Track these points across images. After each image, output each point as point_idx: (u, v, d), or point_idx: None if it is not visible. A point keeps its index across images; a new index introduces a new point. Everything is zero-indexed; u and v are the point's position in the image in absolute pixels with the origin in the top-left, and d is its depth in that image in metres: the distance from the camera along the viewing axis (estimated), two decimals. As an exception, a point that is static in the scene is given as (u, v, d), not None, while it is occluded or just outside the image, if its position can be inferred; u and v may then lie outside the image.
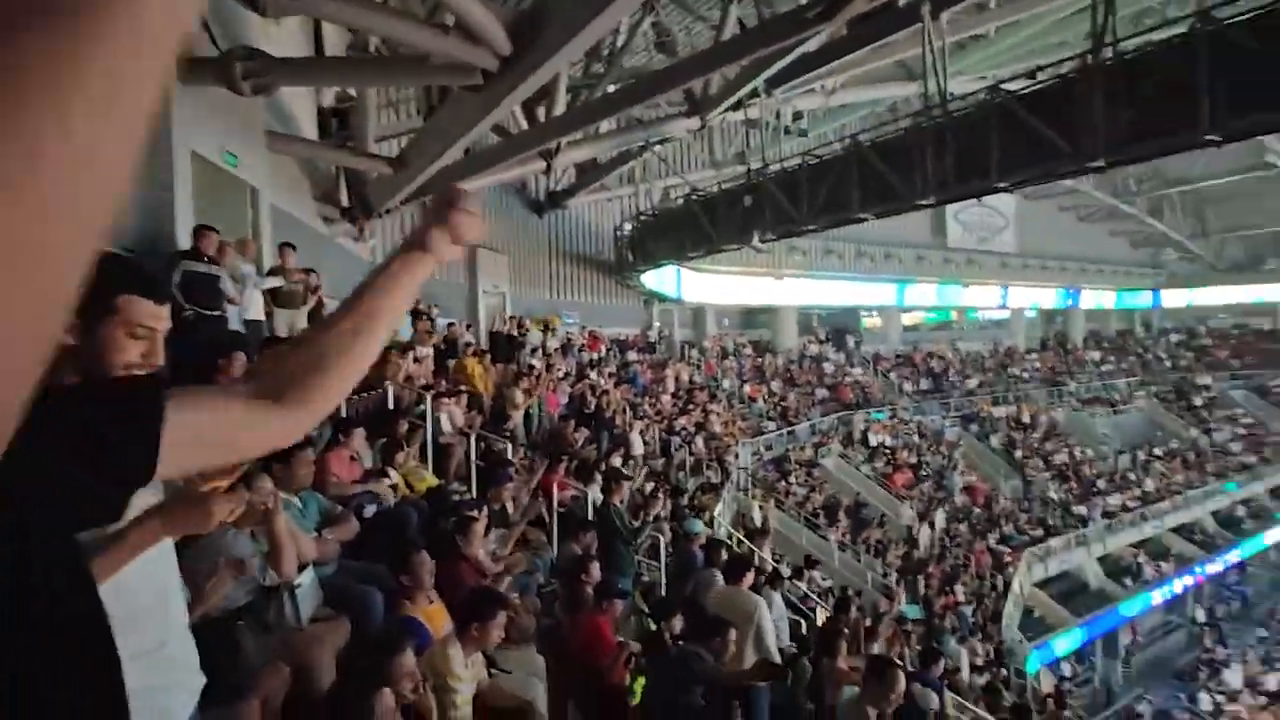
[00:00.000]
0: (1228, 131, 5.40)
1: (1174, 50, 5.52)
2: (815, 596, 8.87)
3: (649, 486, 8.30)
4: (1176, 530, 19.63)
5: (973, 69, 12.67)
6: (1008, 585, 15.15)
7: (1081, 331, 27.83)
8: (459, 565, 3.60)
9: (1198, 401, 24.85)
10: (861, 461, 17.35)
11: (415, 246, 0.87)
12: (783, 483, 15.07)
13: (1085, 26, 7.15)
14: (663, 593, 5.94)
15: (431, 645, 2.68)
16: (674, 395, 15.36)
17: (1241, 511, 21.54)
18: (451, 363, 8.72)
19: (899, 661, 3.71)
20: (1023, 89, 6.99)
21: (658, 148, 12.75)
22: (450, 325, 10.69)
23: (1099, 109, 5.99)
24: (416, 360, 7.40)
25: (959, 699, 7.16)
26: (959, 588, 14.38)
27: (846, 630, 4.95)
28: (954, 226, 23.26)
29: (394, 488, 4.20)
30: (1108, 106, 5.92)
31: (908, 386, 21.58)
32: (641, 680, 3.74)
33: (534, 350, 11.61)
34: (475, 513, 3.97)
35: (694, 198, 12.71)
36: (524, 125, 10.60)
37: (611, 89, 9.69)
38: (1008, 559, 15.89)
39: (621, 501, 5.87)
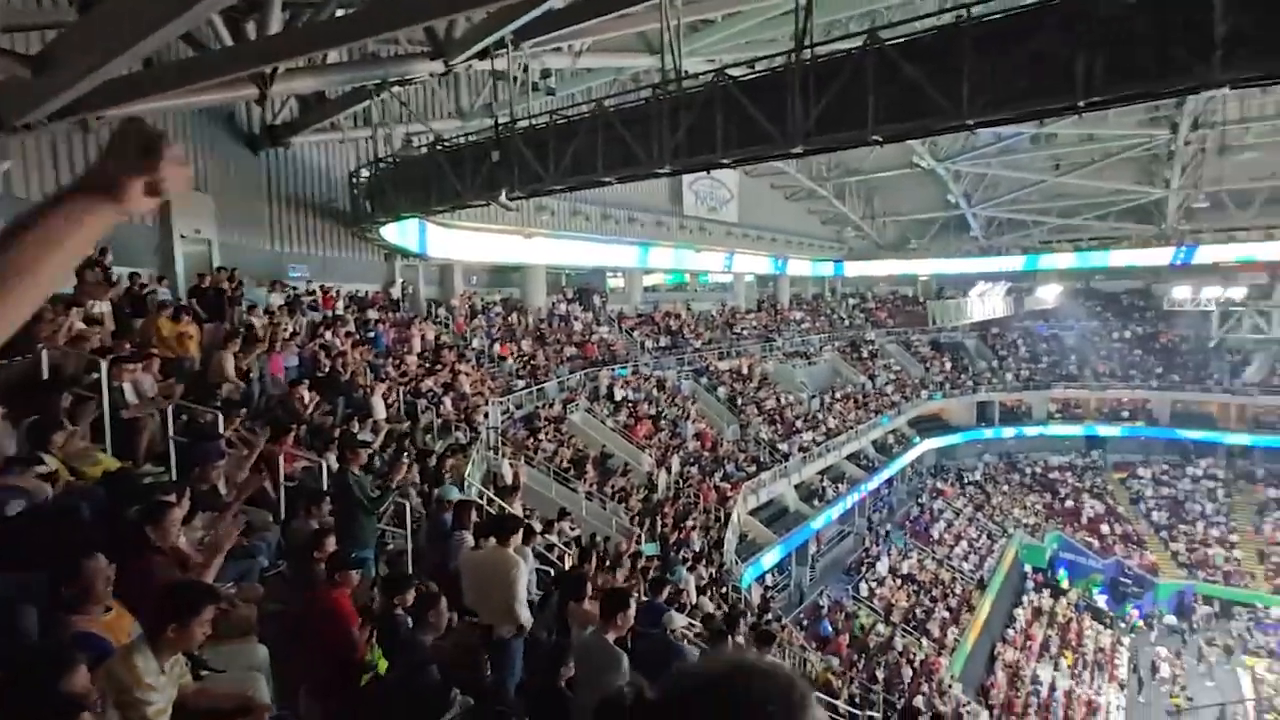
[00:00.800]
0: (886, 134, 6.62)
1: (852, 61, 6.57)
2: (563, 546, 9.26)
3: (392, 452, 7.86)
4: (849, 458, 24.21)
5: (704, 51, 13.71)
6: (728, 516, 17.37)
7: (787, 295, 32.41)
8: (151, 561, 3.06)
9: (865, 353, 30.64)
10: (607, 415, 18.37)
11: (98, 191, 0.72)
12: (533, 440, 15.34)
13: (791, 27, 8.11)
14: (409, 561, 5.72)
15: (112, 656, 2.26)
16: (420, 356, 14.64)
17: (891, 439, 27.28)
18: (139, 322, 7.26)
19: (633, 594, 4.06)
20: (743, 76, 7.75)
21: (398, 90, 11.74)
22: (134, 276, 8.86)
23: (798, 102, 6.90)
24: (89, 320, 6.03)
25: (687, 618, 8.09)
26: (690, 522, 16.14)
27: (590, 575, 5.27)
28: (689, 196, 25.27)
29: (51, 476, 3.39)
30: (804, 101, 6.85)
31: (649, 344, 23.24)
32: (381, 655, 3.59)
33: (251, 308, 10.14)
34: (171, 497, 3.39)
35: (439, 148, 12.00)
36: (228, 40, 9.00)
37: (340, 13, 8.63)
38: (729, 494, 18.17)
39: (361, 469, 5.48)
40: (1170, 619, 24.80)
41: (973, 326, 33.38)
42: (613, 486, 15.74)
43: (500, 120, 10.51)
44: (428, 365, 14.24)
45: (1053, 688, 19.94)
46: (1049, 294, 32.77)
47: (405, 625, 3.60)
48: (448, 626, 3.84)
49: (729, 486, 18.49)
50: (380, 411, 9.52)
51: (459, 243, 17.32)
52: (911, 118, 6.30)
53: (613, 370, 20.11)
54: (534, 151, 9.82)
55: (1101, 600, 25.17)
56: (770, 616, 14.56)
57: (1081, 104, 5.71)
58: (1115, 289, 34.55)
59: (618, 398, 19.21)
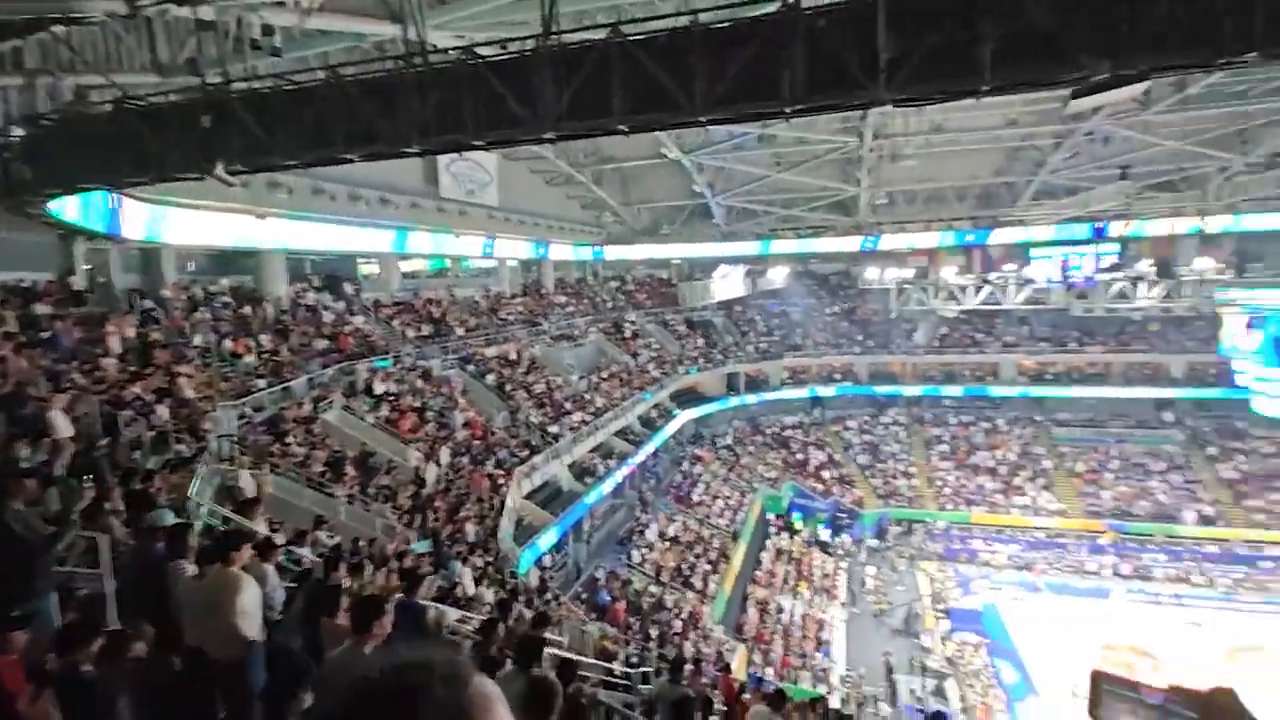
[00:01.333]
0: (632, 124, 6.97)
1: (597, 51, 6.78)
2: (316, 558, 8.42)
3: (80, 476, 6.46)
4: (618, 434, 25.43)
5: (452, 25, 13.13)
6: (503, 503, 17.23)
7: (551, 279, 32.80)
8: None
9: (628, 333, 32.29)
10: (366, 411, 17.04)
11: None
12: (279, 445, 13.68)
13: (539, 10, 8.09)
14: (111, 605, 4.75)
15: None
16: (122, 358, 12.17)
17: (654, 413, 29.18)
18: None
19: (390, 598, 3.83)
20: (493, 56, 7.57)
21: (62, 30, 9.47)
22: None
23: (549, 87, 6.94)
24: None
25: (462, 611, 7.87)
26: (464, 514, 15.70)
27: (341, 584, 4.86)
28: (446, 177, 24.20)
29: None
30: (555, 86, 6.92)
31: (410, 333, 21.95)
32: None
33: None
34: None
35: (129, 105, 9.93)
36: None
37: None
38: (502, 480, 18.01)
39: (30, 502, 4.40)
40: (873, 541, 30.16)
41: (720, 305, 37.00)
42: (377, 486, 14.69)
43: (210, 80, 9.03)
44: (133, 369, 11.89)
45: (792, 614, 23.18)
46: (778, 275, 37.48)
47: (95, 683, 2.98)
48: (165, 670, 3.27)
49: (502, 473, 18.32)
50: (63, 428, 7.74)
51: (172, 222, 14.65)
52: (653, 110, 6.70)
53: (371, 363, 18.67)
54: (258, 119, 8.61)
55: (825, 534, 29.71)
56: (549, 596, 14.83)
57: (788, 110, 6.56)
58: (826, 271, 40.64)
59: (378, 391, 17.90)
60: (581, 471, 22.45)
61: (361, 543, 10.66)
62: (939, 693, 20.25)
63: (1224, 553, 26.83)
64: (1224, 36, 5.43)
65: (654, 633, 18.02)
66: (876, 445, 35.00)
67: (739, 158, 28.46)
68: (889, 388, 36.13)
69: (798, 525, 29.65)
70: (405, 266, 25.57)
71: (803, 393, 36.50)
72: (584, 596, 19.08)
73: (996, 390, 34.77)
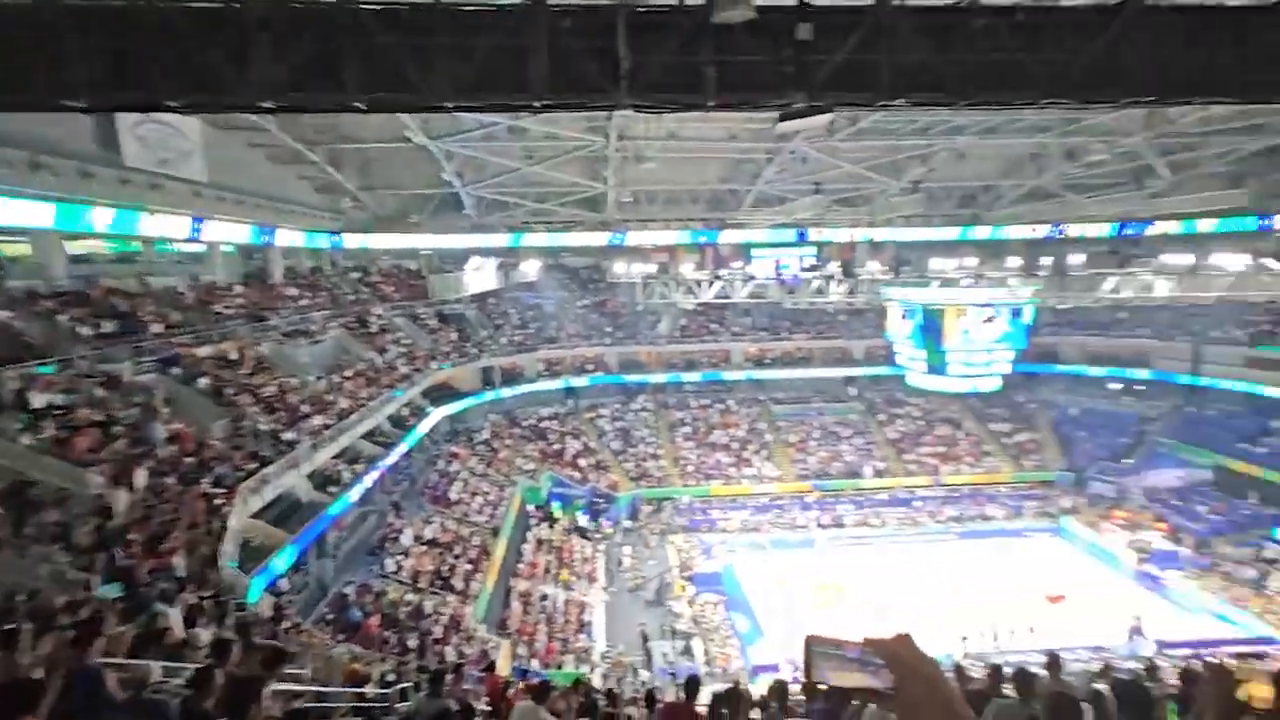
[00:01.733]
0: (365, 104, 6.41)
1: (324, 13, 6.09)
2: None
3: None
4: (366, 436, 23.46)
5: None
6: (224, 525, 14.85)
7: (280, 268, 29.04)
8: None
9: (373, 328, 29.92)
10: (20, 431, 13.42)
11: None
12: (-128, 484, 10.13)
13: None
14: None
15: None
16: None
17: (405, 412, 27.51)
18: None
19: (51, 676, 3.04)
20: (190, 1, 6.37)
21: None
22: None
23: (266, 55, 6.07)
24: None
25: (167, 663, 6.62)
26: (170, 544, 13.19)
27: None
28: (130, 142, 19.88)
29: None
30: (275, 49, 6.07)
31: (85, 330, 17.76)
32: None
33: None
34: None
35: None
36: None
37: None
38: (221, 500, 15.51)
39: None
40: (627, 522, 32.03)
41: (473, 298, 36.04)
42: (39, 524, 11.66)
43: None
44: None
45: (554, 602, 23.63)
46: (531, 268, 37.68)
47: None
48: None
49: (222, 492, 15.77)
50: None
51: None
52: (390, 90, 6.22)
53: (26, 369, 14.74)
54: None
55: (584, 520, 30.79)
56: (288, 625, 13.18)
57: (537, 105, 6.58)
58: (577, 264, 41.90)
59: (37, 405, 14.19)
60: (324, 480, 20.30)
61: (16, 598, 8.37)
62: (687, 651, 22.27)
63: (891, 498, 33.51)
64: (882, 84, 6.69)
65: (413, 644, 17.04)
66: (628, 431, 37.12)
67: (490, 148, 27.93)
68: (637, 376, 38.53)
69: (557, 514, 30.25)
70: (74, 248, 20.62)
71: (557, 384, 37.27)
72: (331, 617, 17.32)
73: (728, 374, 39.07)
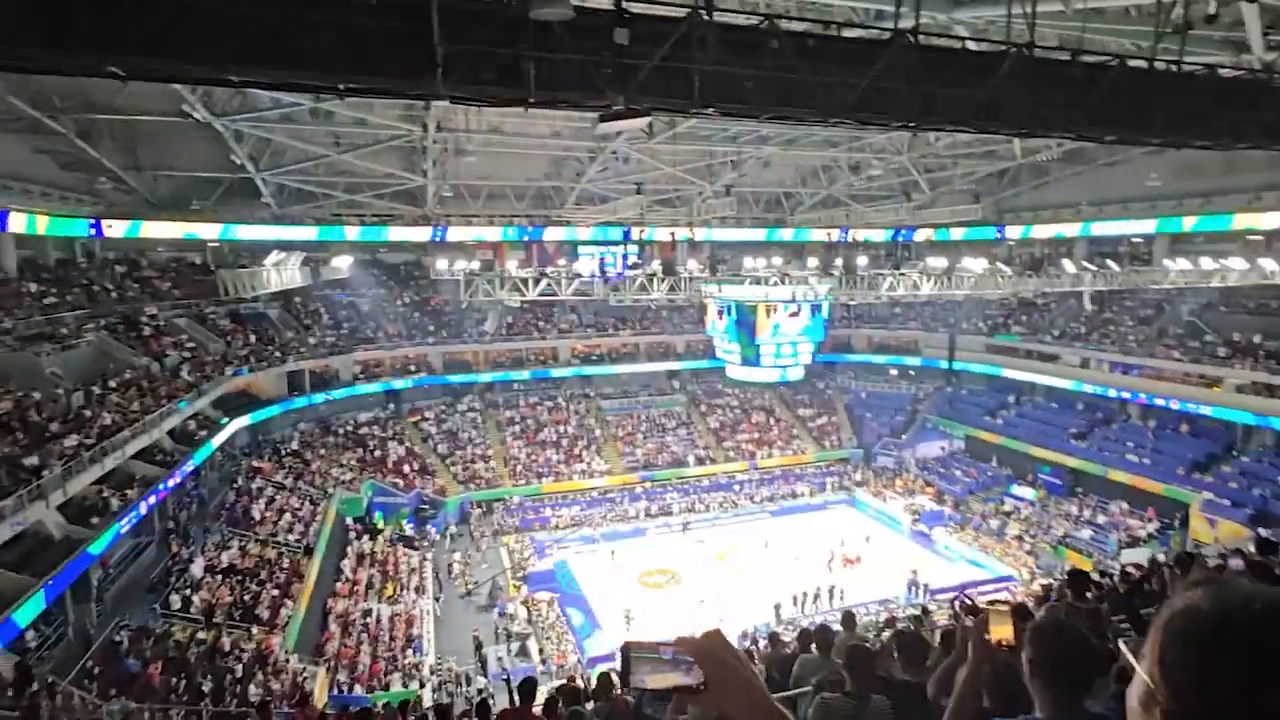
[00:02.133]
0: (129, 69, 5.48)
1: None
2: None
3: None
4: (139, 455, 20.22)
5: None
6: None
7: (14, 260, 24.09)
8: None
9: (147, 331, 25.87)
10: None
11: None
12: None
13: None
14: None
15: None
16: None
17: (193, 425, 24.19)
18: None
19: None
20: None
21: None
22: None
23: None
24: None
25: None
26: None
27: None
28: None
29: None
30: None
31: None
32: None
33: None
34: None
35: None
36: None
37: None
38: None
39: None
40: (456, 527, 30.92)
41: (274, 296, 32.49)
42: None
43: None
44: None
45: (379, 618, 22.13)
46: (343, 264, 34.80)
47: None
48: None
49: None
50: None
51: None
52: (154, 54, 5.38)
53: None
54: None
55: (409, 529, 29.18)
56: (36, 688, 11.01)
57: (342, 87, 6.07)
58: (396, 260, 39.48)
59: None
60: (84, 511, 17.19)
61: None
62: (523, 652, 22.01)
63: (712, 484, 35.65)
64: (693, 92, 7.05)
65: (207, 688, 15.05)
66: (455, 433, 35.80)
67: (291, 131, 25.34)
68: (463, 376, 37.25)
69: (380, 525, 28.41)
70: None
71: (377, 387, 34.94)
72: (98, 671, 14.73)
73: (556, 371, 39.07)
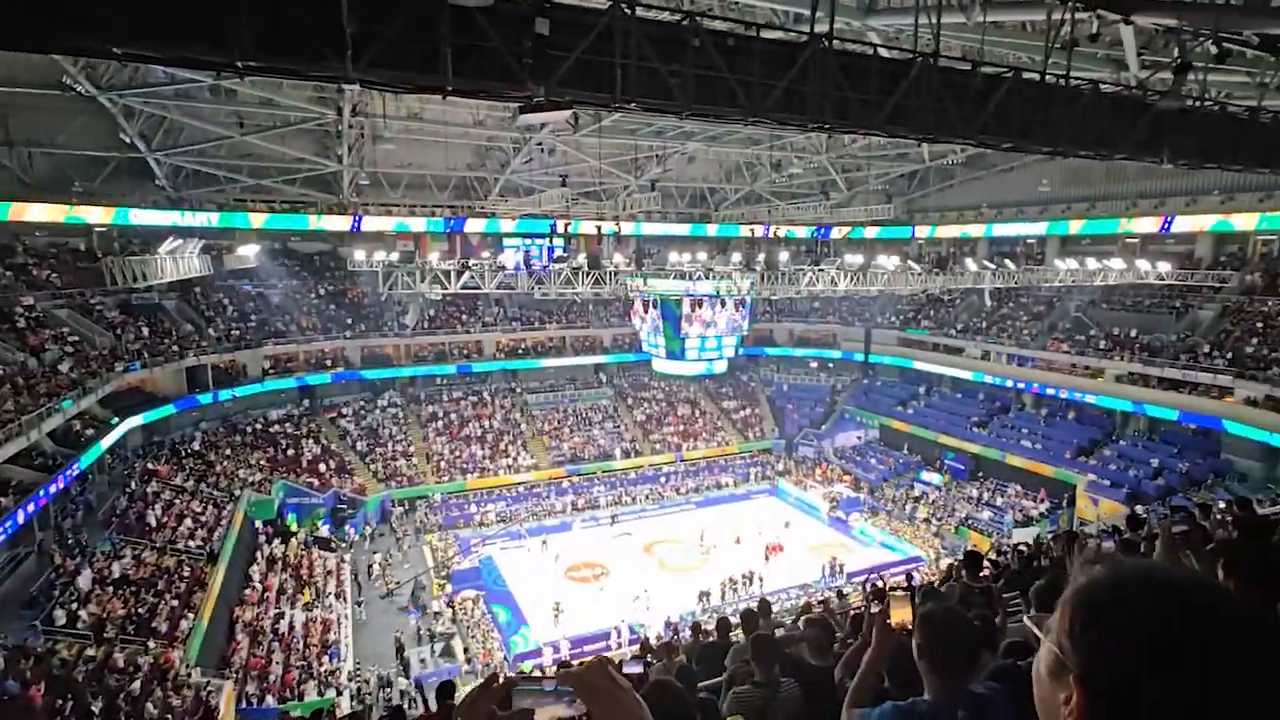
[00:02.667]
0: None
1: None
2: None
3: None
4: (13, 460, 18.48)
5: None
6: None
7: None
8: None
9: (22, 323, 23.62)
10: None
11: None
12: None
13: None
14: None
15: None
16: None
17: (78, 426, 22.29)
18: None
19: None
20: None
21: None
22: None
23: None
24: None
25: None
26: None
27: None
28: None
29: None
30: None
31: None
32: None
33: None
34: None
35: None
36: None
37: None
38: None
39: None
40: (374, 527, 29.91)
41: (170, 286, 30.23)
42: None
43: None
44: None
45: (292, 625, 21.13)
46: (250, 253, 32.77)
47: None
48: None
49: None
50: None
51: None
52: (32, 21, 4.88)
53: None
54: None
55: (325, 530, 27.98)
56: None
57: (241, 65, 5.69)
58: (310, 250, 37.50)
59: None
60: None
61: None
62: (447, 652, 21.53)
63: (639, 476, 35.91)
64: (615, 86, 7.03)
65: (98, 708, 13.94)
66: (375, 429, 34.57)
67: (188, 109, 23.68)
68: (384, 371, 35.97)
69: (293, 527, 27.12)
70: None
71: (290, 382, 33.23)
72: (-34, 697, 13.37)
73: (480, 366, 38.30)
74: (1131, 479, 27.50)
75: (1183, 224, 30.05)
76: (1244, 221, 28.38)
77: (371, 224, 32.34)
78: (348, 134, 25.74)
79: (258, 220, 30.72)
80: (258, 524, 25.97)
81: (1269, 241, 29.82)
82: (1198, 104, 11.73)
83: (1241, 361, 26.06)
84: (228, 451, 29.50)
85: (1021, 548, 14.80)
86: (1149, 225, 30.86)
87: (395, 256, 34.21)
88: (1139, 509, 19.65)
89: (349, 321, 35.68)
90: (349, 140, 26.41)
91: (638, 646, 21.37)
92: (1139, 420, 30.04)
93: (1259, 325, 27.36)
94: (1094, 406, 31.02)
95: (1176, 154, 11.59)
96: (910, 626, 2.38)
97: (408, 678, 20.04)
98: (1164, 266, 29.09)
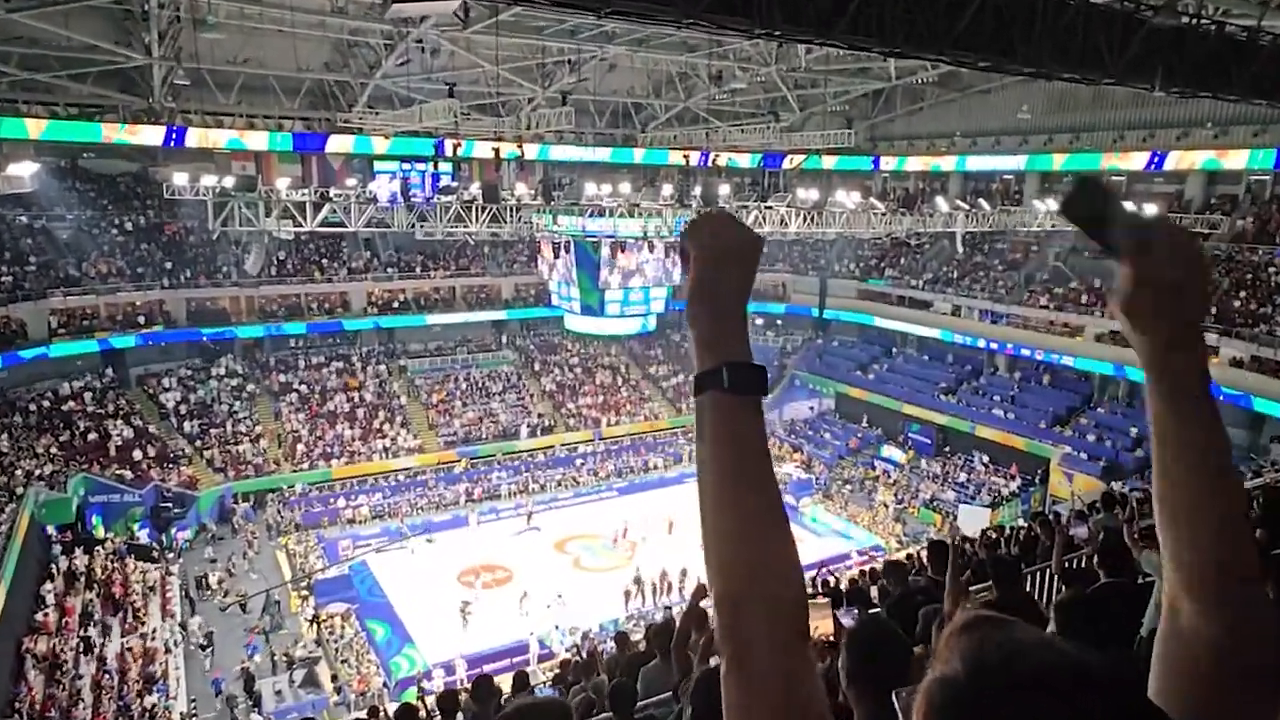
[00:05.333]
0: None
1: None
2: None
3: None
4: None
5: None
6: None
7: None
8: None
9: None
10: None
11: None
12: None
13: None
14: None
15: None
16: None
17: None
18: None
19: None
20: None
21: None
22: None
23: None
24: None
25: None
26: None
27: None
28: None
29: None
30: None
31: None
32: None
33: None
34: None
35: None
36: None
37: None
38: None
39: None
40: (215, 528, 28.96)
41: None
42: None
43: None
44: None
45: (102, 657, 20.28)
46: (24, 172, 30.02)
47: None
48: None
49: None
50: None
51: None
52: None
53: None
54: None
55: (144, 535, 26.84)
56: None
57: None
58: (110, 171, 34.92)
59: None
60: None
61: None
62: (310, 681, 21.23)
63: (549, 459, 36.06)
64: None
65: None
66: (209, 405, 33.15)
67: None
68: (218, 329, 34.29)
69: (100, 533, 25.88)
70: None
71: (88, 345, 31.22)
72: None
73: (348, 323, 37.16)
74: (1109, 451, 29.85)
75: (1173, 160, 32.22)
76: (1236, 159, 30.72)
77: (196, 138, 30.26)
78: (157, 15, 23.84)
79: (35, 129, 28.08)
80: (50, 530, 24.61)
81: (1261, 182, 32.43)
82: (1195, 21, 12.50)
83: (1229, 318, 28.48)
84: (4, 437, 27.54)
85: (992, 533, 15.87)
86: (1138, 161, 32.90)
87: (230, 182, 32.37)
88: (1115, 485, 21.35)
89: (169, 266, 33.74)
90: (159, 24, 24.47)
91: (552, 664, 21.74)
92: (1118, 385, 32.48)
93: (1248, 277, 29.92)
94: (1071, 370, 33.28)
95: (1170, 79, 12.37)
96: (830, 637, 2.46)
97: (260, 715, 19.71)
98: (1152, 209, 31.21)
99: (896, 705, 0.98)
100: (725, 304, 1.03)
